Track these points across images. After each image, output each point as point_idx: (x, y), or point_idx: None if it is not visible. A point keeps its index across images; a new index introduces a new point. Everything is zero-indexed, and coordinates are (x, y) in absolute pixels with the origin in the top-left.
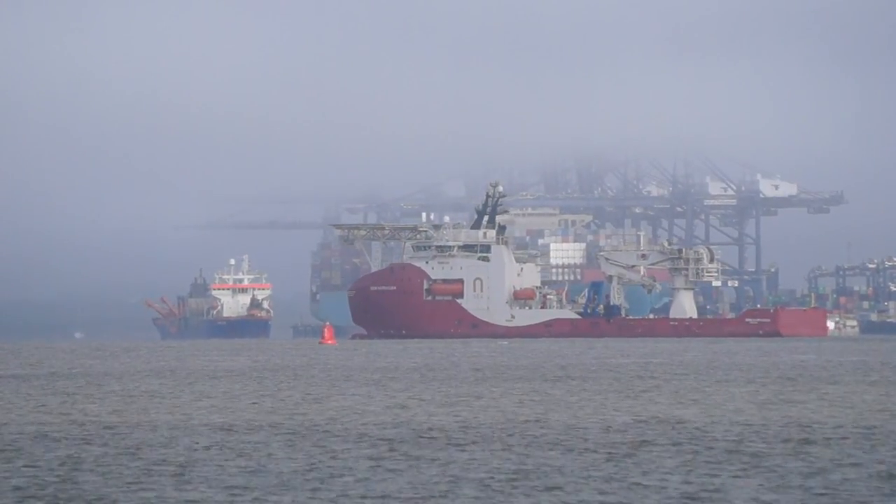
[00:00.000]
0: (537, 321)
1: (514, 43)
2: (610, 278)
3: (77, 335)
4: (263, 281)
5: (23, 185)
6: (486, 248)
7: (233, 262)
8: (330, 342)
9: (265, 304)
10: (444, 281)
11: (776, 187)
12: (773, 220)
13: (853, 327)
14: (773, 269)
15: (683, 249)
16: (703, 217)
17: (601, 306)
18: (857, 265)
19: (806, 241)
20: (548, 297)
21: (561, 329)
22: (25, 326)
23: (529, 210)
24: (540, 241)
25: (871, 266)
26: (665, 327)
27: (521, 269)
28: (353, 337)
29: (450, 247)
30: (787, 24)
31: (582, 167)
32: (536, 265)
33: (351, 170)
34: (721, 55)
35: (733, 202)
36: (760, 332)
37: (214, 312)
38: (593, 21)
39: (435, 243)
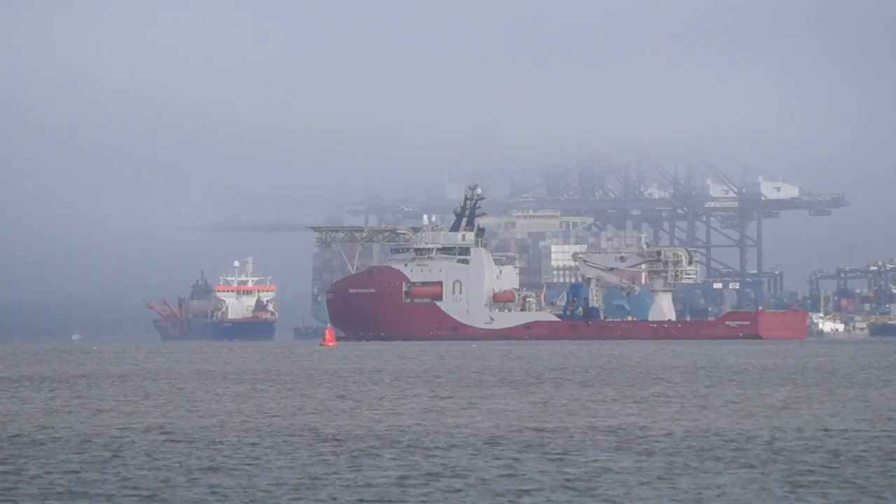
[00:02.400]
0: (517, 323)
1: (516, 46)
2: (588, 280)
3: (75, 337)
4: (268, 283)
5: (22, 188)
6: (465, 251)
7: (237, 263)
8: (331, 344)
9: (270, 307)
10: (423, 283)
11: (777, 189)
12: (775, 223)
13: (863, 329)
14: (777, 272)
15: (662, 251)
16: (704, 219)
17: (580, 308)
18: (858, 268)
19: (807, 244)
20: (527, 299)
21: (540, 331)
22: (25, 329)
23: (531, 212)
24: (541, 243)
25: (872, 268)
26: (644, 329)
27: (500, 271)
28: None
29: (428, 249)
30: (790, 27)
31: (583, 169)
32: (515, 267)
33: (353, 172)
34: (722, 57)
35: (734, 204)
36: (741, 334)
37: (219, 314)
38: (594, 23)
39: (414, 246)
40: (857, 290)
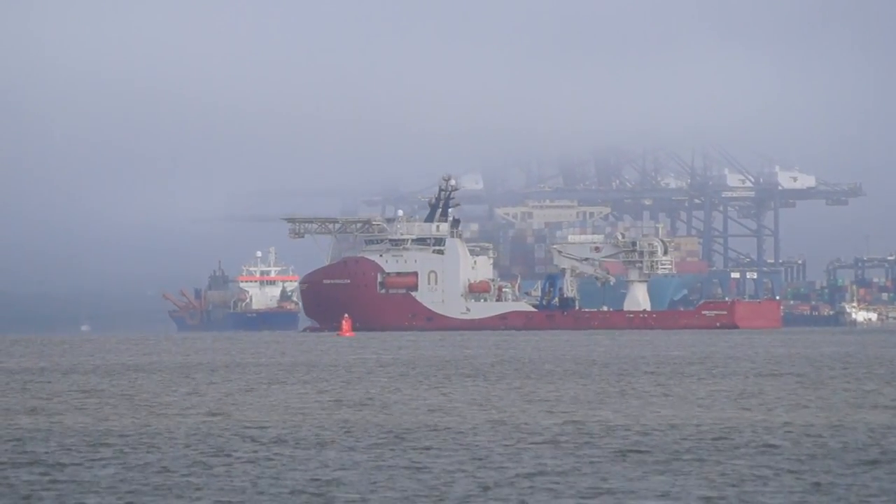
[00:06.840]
0: (493, 314)
1: (532, 37)
2: (563, 271)
3: (83, 328)
4: (290, 273)
5: (40, 179)
6: (440, 242)
7: (259, 254)
8: (348, 334)
9: (294, 296)
10: (399, 274)
11: (794, 179)
12: (792, 212)
13: (895, 318)
14: (800, 262)
15: (637, 242)
16: (721, 209)
17: (556, 299)
18: (876, 257)
19: (824, 234)
20: (503, 289)
21: (516, 322)
22: (39, 319)
23: (547, 202)
24: (558, 233)
25: (890, 258)
26: (621, 320)
27: (475, 261)
28: (305, 330)
29: (403, 240)
30: (806, 15)
31: (600, 159)
32: (489, 258)
33: (369, 163)
34: (738, 47)
35: (751, 194)
36: (717, 324)
37: (242, 305)
38: (610, 15)
39: (388, 236)
40: (875, 280)
